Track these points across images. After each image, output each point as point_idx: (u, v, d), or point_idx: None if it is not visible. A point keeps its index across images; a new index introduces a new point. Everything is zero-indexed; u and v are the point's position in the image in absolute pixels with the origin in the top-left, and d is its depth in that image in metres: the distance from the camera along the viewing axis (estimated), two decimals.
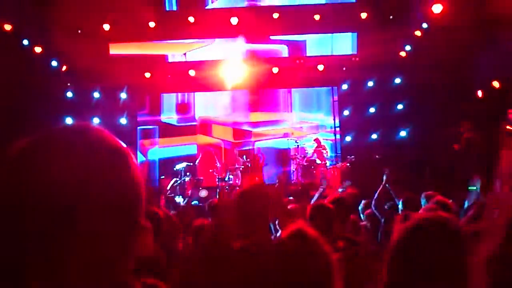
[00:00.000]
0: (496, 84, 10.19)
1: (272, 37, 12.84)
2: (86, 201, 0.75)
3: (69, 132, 0.83)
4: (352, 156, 11.22)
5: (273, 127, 13.37)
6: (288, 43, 12.88)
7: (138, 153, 13.06)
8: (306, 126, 13.35)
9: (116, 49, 12.38)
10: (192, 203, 10.05)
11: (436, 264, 1.53)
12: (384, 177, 4.84)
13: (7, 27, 10.03)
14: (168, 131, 13.32)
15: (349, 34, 12.57)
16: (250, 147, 12.98)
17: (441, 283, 1.54)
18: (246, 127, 13.40)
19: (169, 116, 13.52)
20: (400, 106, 12.21)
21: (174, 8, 12.38)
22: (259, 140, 13.18)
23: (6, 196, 0.74)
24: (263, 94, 13.56)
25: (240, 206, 2.86)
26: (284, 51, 12.91)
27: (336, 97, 13.23)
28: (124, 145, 0.85)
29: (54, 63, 11.55)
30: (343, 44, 12.70)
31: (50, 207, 0.73)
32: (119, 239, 0.79)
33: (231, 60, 12.50)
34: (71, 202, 0.74)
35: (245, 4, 12.52)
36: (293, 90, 13.50)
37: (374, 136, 12.37)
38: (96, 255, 0.76)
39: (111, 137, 0.84)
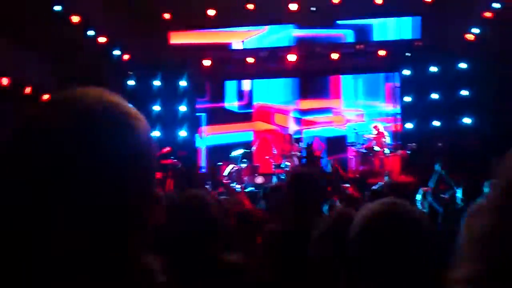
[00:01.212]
0: None
1: (338, 22, 12.58)
2: (95, 164, 0.71)
3: (82, 95, 0.78)
4: (414, 144, 10.89)
5: (326, 114, 13.21)
6: (353, 27, 12.61)
7: (198, 138, 13.30)
8: (359, 114, 13.04)
9: (176, 38, 12.63)
10: (248, 189, 10.14)
11: None
12: (437, 167, 4.64)
13: (75, 19, 10.49)
14: (224, 117, 13.45)
15: (411, 18, 12.15)
16: (301, 135, 12.86)
17: None
18: (299, 114, 13.32)
19: (231, 103, 13.67)
20: (465, 92, 11.69)
21: None
22: (311, 128, 13.08)
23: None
24: (317, 81, 13.42)
25: (291, 189, 2.87)
26: (349, 36, 12.65)
27: (397, 83, 12.85)
28: (137, 112, 0.81)
29: (116, 52, 11.94)
30: (407, 28, 12.28)
31: (56, 173, 0.69)
32: (132, 210, 0.75)
33: (287, 47, 12.48)
34: (80, 166, 0.70)
35: None
36: (349, 76, 13.24)
37: (436, 123, 11.92)
38: (105, 227, 0.72)
39: (124, 102, 0.81)
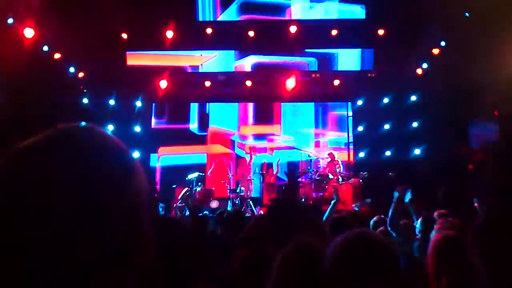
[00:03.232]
0: None
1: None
2: (91, 205, 0.71)
3: (76, 132, 0.80)
4: (365, 173, 11.11)
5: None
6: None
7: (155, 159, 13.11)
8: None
9: (133, 59, 12.49)
10: (202, 214, 10.01)
11: None
12: (396, 195, 4.67)
13: (29, 33, 10.14)
14: (179, 139, 13.37)
15: (365, 50, 12.54)
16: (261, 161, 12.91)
17: None
18: (253, 140, 13.41)
19: (192, 125, 13.62)
20: (415, 124, 12.11)
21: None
22: (264, 153, 13.15)
23: (5, 198, 0.70)
24: (266, 108, 13.58)
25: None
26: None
27: (350, 113, 13.16)
28: (127, 149, 0.82)
29: (71, 69, 11.68)
30: (364, 59, 12.62)
31: (52, 210, 0.68)
32: (123, 247, 0.74)
33: (245, 72, 12.62)
34: (74, 205, 0.69)
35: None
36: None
37: (388, 153, 12.25)
38: (97, 263, 0.71)
39: (116, 140, 0.81)
